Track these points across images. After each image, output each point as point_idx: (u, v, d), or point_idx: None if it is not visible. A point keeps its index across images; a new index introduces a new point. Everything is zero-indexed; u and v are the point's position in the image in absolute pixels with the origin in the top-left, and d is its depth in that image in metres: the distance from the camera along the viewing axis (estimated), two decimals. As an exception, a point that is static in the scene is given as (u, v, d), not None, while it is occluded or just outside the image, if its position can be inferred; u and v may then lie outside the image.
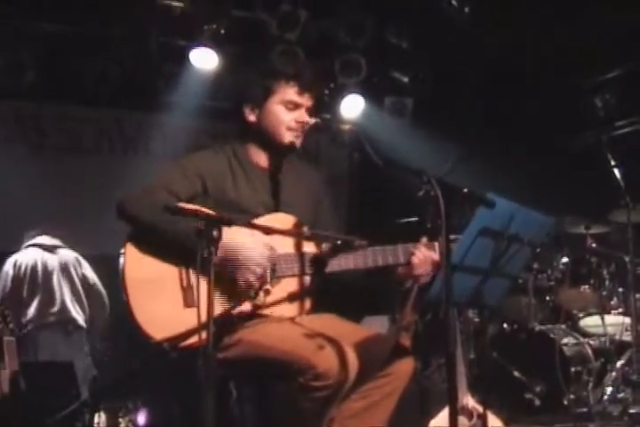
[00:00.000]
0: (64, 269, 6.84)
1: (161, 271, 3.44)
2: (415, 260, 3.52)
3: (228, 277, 3.41)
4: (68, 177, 8.03)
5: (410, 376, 3.60)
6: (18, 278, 6.67)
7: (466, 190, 3.01)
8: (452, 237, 2.95)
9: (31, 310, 6.66)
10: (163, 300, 3.41)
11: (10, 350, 5.18)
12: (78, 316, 6.82)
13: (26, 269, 6.70)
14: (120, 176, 7.32)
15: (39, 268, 6.73)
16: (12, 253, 6.90)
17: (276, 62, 6.38)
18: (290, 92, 3.66)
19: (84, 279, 6.91)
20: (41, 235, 6.90)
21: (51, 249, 6.87)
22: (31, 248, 6.84)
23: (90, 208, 7.41)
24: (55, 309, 6.73)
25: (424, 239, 3.58)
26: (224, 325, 3.34)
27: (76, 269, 6.90)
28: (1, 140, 7.89)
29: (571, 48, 6.99)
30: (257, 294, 3.40)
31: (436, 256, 3.53)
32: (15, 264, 6.70)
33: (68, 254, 6.91)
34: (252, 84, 3.76)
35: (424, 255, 3.52)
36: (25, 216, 7.35)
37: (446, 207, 2.90)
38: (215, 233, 3.02)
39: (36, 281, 6.70)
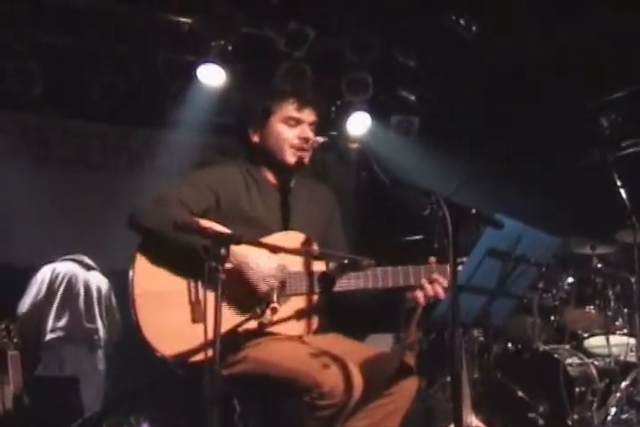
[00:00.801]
0: (98, 289, 6.84)
1: (169, 285, 3.44)
2: (425, 282, 3.51)
3: (243, 282, 3.41)
4: (72, 191, 8.00)
5: (414, 395, 3.60)
6: (53, 286, 6.65)
7: (474, 211, 3.01)
8: (458, 260, 2.94)
9: (63, 320, 6.63)
10: (170, 314, 3.42)
11: (14, 364, 5.16)
12: (103, 336, 6.81)
13: (63, 278, 6.66)
14: (125, 192, 7.31)
15: (80, 282, 6.71)
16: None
17: (279, 81, 6.39)
18: (289, 109, 3.70)
19: (109, 305, 6.93)
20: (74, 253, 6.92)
21: (87, 268, 6.87)
22: (69, 262, 6.83)
23: (93, 223, 7.40)
24: (88, 325, 6.72)
25: (433, 259, 3.57)
26: (230, 342, 3.34)
27: (107, 293, 6.91)
28: (6, 151, 7.87)
29: (571, 48, 7.00)
30: (264, 311, 3.40)
31: (446, 281, 3.51)
32: (53, 272, 6.68)
33: (101, 278, 6.93)
34: (251, 106, 3.80)
35: (434, 279, 3.51)
36: (27, 228, 7.36)
37: (454, 227, 2.91)
38: (222, 251, 3.02)
39: (72, 292, 6.66)
